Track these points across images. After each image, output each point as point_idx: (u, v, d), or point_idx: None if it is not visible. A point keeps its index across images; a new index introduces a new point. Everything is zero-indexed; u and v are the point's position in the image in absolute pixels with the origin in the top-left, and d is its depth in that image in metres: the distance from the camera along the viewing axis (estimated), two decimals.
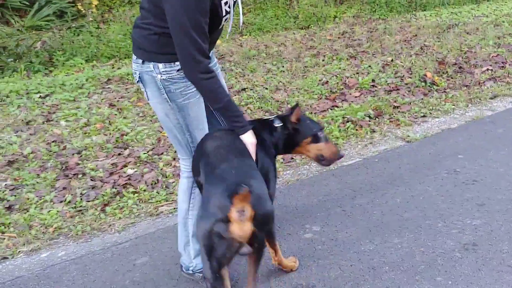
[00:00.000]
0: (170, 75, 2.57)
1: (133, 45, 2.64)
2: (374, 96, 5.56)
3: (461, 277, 2.86)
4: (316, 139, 2.91)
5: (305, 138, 2.89)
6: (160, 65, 2.55)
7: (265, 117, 3.05)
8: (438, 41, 7.28)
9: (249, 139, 2.63)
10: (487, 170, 4.00)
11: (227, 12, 2.56)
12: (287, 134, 2.87)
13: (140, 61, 2.58)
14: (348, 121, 5.01)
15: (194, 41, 2.38)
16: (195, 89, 2.66)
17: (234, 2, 2.62)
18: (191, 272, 2.93)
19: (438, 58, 6.52)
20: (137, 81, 2.67)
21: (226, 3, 2.51)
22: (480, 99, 5.50)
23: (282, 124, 2.86)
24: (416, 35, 7.67)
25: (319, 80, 6.09)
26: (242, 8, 2.80)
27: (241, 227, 2.04)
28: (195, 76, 2.47)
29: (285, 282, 2.89)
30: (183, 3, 2.32)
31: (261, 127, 2.84)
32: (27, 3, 7.89)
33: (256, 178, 2.37)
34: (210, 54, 2.81)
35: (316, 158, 2.95)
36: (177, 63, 2.56)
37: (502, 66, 6.29)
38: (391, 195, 3.73)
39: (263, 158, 2.73)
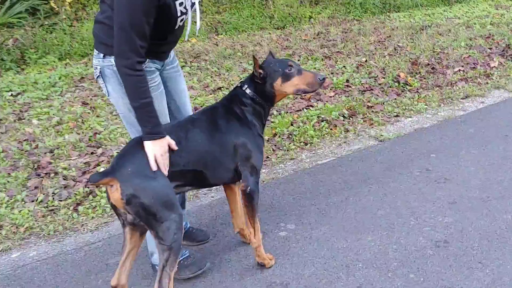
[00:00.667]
0: None
1: (95, 40, 2.63)
2: (348, 96, 5.60)
3: (433, 274, 2.90)
4: (286, 77, 2.76)
5: (274, 82, 2.77)
6: None
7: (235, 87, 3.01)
8: (412, 42, 7.37)
9: (150, 148, 2.46)
10: (459, 169, 4.06)
11: (183, 13, 2.56)
12: (258, 89, 2.81)
13: (101, 55, 2.58)
14: (322, 121, 5.04)
15: (129, 38, 2.38)
16: (156, 83, 2.68)
17: (193, 4, 2.62)
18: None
19: (411, 58, 6.60)
20: (97, 77, 2.65)
21: (181, 3, 2.52)
22: (452, 99, 5.58)
23: (249, 83, 2.83)
24: (390, 36, 7.75)
25: None
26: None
27: (111, 196, 2.40)
28: (122, 69, 2.44)
29: (259, 280, 2.89)
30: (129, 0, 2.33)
31: (228, 101, 2.84)
32: None
33: (134, 163, 2.43)
34: (171, 54, 2.83)
35: (298, 93, 2.88)
36: None
37: (474, 67, 6.39)
38: (364, 193, 3.76)
39: (239, 132, 2.76)
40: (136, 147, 2.50)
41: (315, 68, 6.48)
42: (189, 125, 2.69)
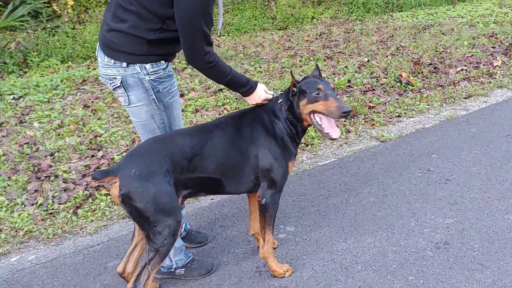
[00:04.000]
0: (158, 74, 2.57)
1: (110, 50, 2.53)
2: (349, 97, 5.58)
3: (432, 276, 2.87)
4: (311, 100, 2.62)
5: (300, 101, 2.66)
6: (148, 66, 2.53)
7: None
8: (414, 42, 7.33)
9: (255, 99, 2.74)
10: (460, 169, 4.03)
11: None
12: (290, 106, 2.72)
13: (124, 64, 2.51)
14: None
15: (205, 35, 2.43)
16: (176, 87, 2.71)
17: None
18: (173, 270, 2.91)
19: (414, 58, 6.57)
20: (116, 87, 2.58)
21: None
22: (454, 99, 5.54)
23: (284, 97, 2.75)
24: (392, 36, 7.72)
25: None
26: None
27: (112, 191, 2.44)
28: (204, 66, 2.53)
29: (257, 284, 2.87)
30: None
31: (261, 109, 2.78)
32: (1, 3, 7.78)
33: (140, 165, 2.42)
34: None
35: (316, 123, 2.70)
36: (162, 61, 2.57)
37: (476, 67, 6.35)
38: (365, 194, 3.74)
39: (263, 143, 2.69)
40: (147, 148, 2.48)
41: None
42: (214, 129, 2.64)
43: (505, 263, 2.94)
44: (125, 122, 5.04)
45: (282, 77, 6.24)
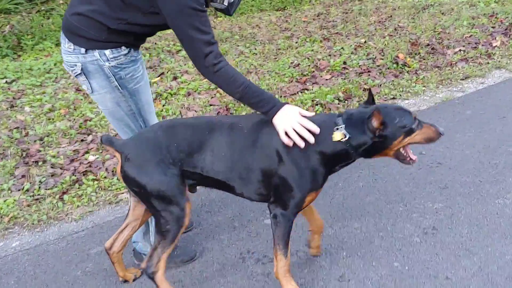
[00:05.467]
0: (119, 60, 2.48)
1: (69, 34, 2.46)
2: (344, 79, 5.50)
3: (418, 263, 2.83)
4: (409, 133, 2.36)
5: (396, 139, 2.35)
6: (107, 52, 2.44)
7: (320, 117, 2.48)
8: (413, 22, 7.20)
9: (279, 124, 2.31)
10: (453, 153, 3.96)
11: None
12: (364, 142, 2.34)
13: (83, 50, 2.44)
14: (317, 104, 4.95)
15: (201, 32, 2.29)
16: (142, 72, 2.59)
17: None
18: None
19: (412, 39, 6.46)
20: (77, 74, 2.50)
21: None
22: (451, 80, 5.45)
23: (354, 131, 2.33)
24: (391, 16, 7.59)
25: (291, 62, 6.00)
26: None
27: (117, 168, 2.42)
28: (208, 69, 2.33)
29: (240, 270, 2.84)
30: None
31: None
32: None
33: (138, 151, 2.38)
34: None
35: (402, 154, 2.46)
36: (123, 47, 2.47)
37: (475, 47, 6.24)
38: (354, 179, 3.68)
39: (291, 166, 2.36)
40: (149, 134, 2.43)
41: (312, 50, 6.36)
42: (223, 130, 2.42)
43: (493, 249, 2.89)
44: None
45: (276, 59, 6.16)
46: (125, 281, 2.77)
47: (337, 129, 2.34)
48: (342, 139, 2.32)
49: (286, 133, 2.32)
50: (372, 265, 2.82)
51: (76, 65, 2.48)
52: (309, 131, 2.32)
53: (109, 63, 2.46)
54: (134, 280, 2.79)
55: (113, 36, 2.42)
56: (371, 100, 2.49)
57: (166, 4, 2.28)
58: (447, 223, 3.14)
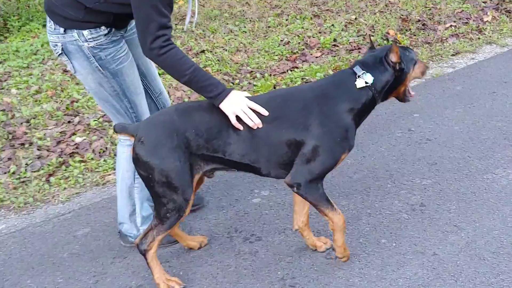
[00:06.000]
0: (98, 41, 2.43)
1: (50, 13, 2.42)
2: (335, 56, 5.45)
3: (405, 239, 2.82)
4: (415, 65, 2.55)
5: (409, 71, 2.50)
6: (85, 32, 2.40)
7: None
8: None
9: (228, 108, 2.32)
10: (442, 129, 3.95)
11: None
12: (387, 81, 2.46)
13: (62, 30, 2.40)
14: (306, 83, 4.90)
15: (160, 13, 2.23)
16: (126, 52, 2.54)
17: None
18: None
19: (402, 15, 6.39)
20: (59, 54, 2.48)
21: None
22: (441, 56, 5.41)
23: (376, 72, 2.43)
24: None
25: (281, 40, 5.93)
26: None
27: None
28: (154, 52, 2.28)
29: (227, 249, 2.83)
30: None
31: (329, 86, 2.45)
32: None
33: (151, 135, 2.35)
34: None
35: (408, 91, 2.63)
36: (103, 27, 2.42)
37: (466, 22, 6.18)
38: None
39: (323, 134, 2.35)
40: (165, 117, 2.38)
41: (302, 27, 6.29)
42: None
43: (481, 225, 2.89)
44: None
45: (266, 37, 6.09)
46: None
47: (359, 76, 2.41)
48: (367, 83, 2.40)
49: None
50: (359, 242, 2.82)
51: (57, 45, 2.46)
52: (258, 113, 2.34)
53: (88, 44, 2.42)
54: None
55: (91, 15, 2.37)
56: (373, 46, 2.63)
57: None
58: (435, 199, 3.13)
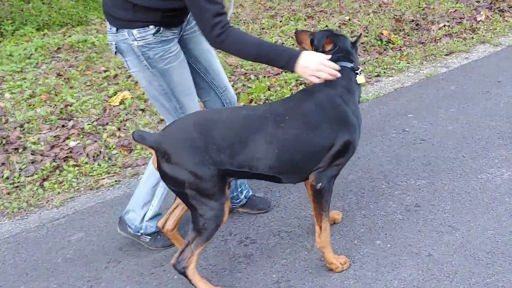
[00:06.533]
0: (146, 40, 2.48)
1: (104, 12, 2.54)
2: None
3: (400, 240, 2.82)
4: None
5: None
6: (135, 31, 2.46)
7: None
8: None
9: (303, 73, 2.37)
10: (436, 129, 3.95)
11: None
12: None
13: (114, 29, 2.50)
14: (301, 84, 4.90)
15: (212, 2, 2.29)
16: (175, 52, 2.56)
17: None
18: (139, 234, 2.86)
19: (396, 15, 6.40)
20: (115, 52, 2.58)
21: None
22: (435, 56, 5.41)
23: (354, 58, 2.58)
24: None
25: (275, 42, 5.93)
26: None
27: (153, 158, 2.35)
28: (216, 40, 2.34)
29: (222, 252, 2.82)
30: None
31: (335, 85, 2.47)
32: None
33: (177, 146, 2.29)
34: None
35: None
36: (151, 26, 2.46)
37: (459, 22, 6.19)
38: None
39: (344, 128, 2.42)
40: (185, 134, 2.29)
41: (296, 28, 6.28)
42: (265, 123, 2.33)
43: (475, 225, 2.89)
44: (97, 90, 4.92)
45: (261, 38, 6.07)
46: None
47: (357, 74, 2.53)
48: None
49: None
50: (354, 244, 2.81)
51: (112, 44, 2.56)
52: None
53: (137, 42, 2.48)
54: None
55: (139, 14, 2.43)
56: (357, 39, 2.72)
57: None
58: (430, 200, 3.13)
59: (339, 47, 2.54)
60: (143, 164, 3.74)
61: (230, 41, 2.33)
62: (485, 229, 2.85)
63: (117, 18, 2.47)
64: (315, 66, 2.36)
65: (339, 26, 6.23)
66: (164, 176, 2.32)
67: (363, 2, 7.13)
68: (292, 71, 2.40)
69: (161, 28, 2.48)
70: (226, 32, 2.31)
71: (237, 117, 2.37)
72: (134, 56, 2.51)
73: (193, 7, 2.33)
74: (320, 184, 2.43)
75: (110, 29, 2.53)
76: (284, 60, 2.37)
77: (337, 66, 2.42)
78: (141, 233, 2.86)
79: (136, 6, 2.41)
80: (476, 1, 6.75)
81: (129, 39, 2.47)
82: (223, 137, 2.28)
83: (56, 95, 4.90)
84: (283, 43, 5.85)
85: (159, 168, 2.32)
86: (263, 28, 6.48)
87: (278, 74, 5.15)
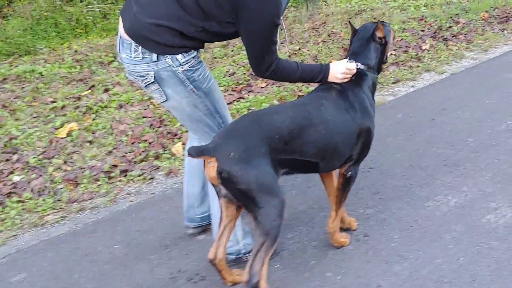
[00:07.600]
0: (190, 63, 2.45)
1: (140, 37, 2.39)
2: (280, 86, 5.49)
3: (350, 271, 2.82)
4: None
5: (389, 42, 2.96)
6: (179, 56, 2.41)
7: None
8: (346, 28, 7.29)
9: (334, 80, 2.74)
10: (384, 157, 4.01)
11: None
12: (379, 58, 2.91)
13: (154, 56, 2.39)
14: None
15: (275, 44, 2.42)
16: (207, 69, 2.58)
17: None
18: (241, 255, 2.85)
19: (345, 45, 6.53)
20: (149, 84, 2.46)
21: None
22: (382, 85, 5.53)
23: (365, 55, 2.85)
24: (324, 22, 7.66)
25: (227, 71, 5.96)
26: None
27: (207, 171, 2.36)
28: (269, 76, 2.53)
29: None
30: (268, 9, 2.34)
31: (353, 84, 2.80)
32: None
33: (238, 147, 2.32)
34: None
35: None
36: (192, 50, 2.45)
37: (406, 51, 6.37)
38: (288, 187, 3.65)
39: (365, 116, 2.79)
40: (246, 130, 2.39)
41: (244, 62, 6.34)
42: (315, 111, 2.59)
43: (423, 253, 2.92)
44: (44, 122, 4.80)
45: (212, 67, 6.10)
46: (234, 284, 2.71)
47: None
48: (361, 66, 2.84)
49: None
50: (304, 277, 2.80)
51: (148, 74, 2.43)
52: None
53: (182, 68, 2.43)
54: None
55: (185, 41, 2.40)
56: (355, 29, 3.00)
57: (251, 20, 2.35)
58: (379, 229, 3.16)
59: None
60: (90, 199, 3.65)
61: (279, 73, 2.53)
62: (433, 258, 2.88)
63: (161, 43, 2.37)
64: (341, 75, 2.72)
65: (289, 56, 6.31)
66: (231, 178, 2.29)
67: (313, 32, 7.26)
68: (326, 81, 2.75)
69: (199, 50, 2.52)
70: (278, 65, 2.50)
71: (287, 107, 2.62)
72: (178, 82, 2.45)
73: (256, 48, 2.43)
74: (350, 173, 2.79)
75: (143, 58, 2.41)
76: (320, 76, 2.70)
77: (355, 70, 2.78)
78: (243, 253, 2.86)
79: (184, 35, 2.38)
80: (421, 30, 6.97)
81: (173, 66, 2.40)
82: (282, 125, 2.44)
83: (0, 127, 4.75)
84: (234, 72, 5.89)
85: (223, 173, 2.29)
86: (214, 57, 6.50)
87: (230, 103, 5.16)
